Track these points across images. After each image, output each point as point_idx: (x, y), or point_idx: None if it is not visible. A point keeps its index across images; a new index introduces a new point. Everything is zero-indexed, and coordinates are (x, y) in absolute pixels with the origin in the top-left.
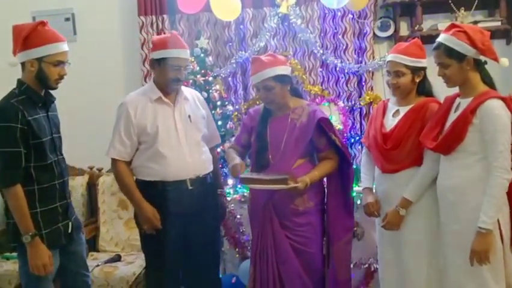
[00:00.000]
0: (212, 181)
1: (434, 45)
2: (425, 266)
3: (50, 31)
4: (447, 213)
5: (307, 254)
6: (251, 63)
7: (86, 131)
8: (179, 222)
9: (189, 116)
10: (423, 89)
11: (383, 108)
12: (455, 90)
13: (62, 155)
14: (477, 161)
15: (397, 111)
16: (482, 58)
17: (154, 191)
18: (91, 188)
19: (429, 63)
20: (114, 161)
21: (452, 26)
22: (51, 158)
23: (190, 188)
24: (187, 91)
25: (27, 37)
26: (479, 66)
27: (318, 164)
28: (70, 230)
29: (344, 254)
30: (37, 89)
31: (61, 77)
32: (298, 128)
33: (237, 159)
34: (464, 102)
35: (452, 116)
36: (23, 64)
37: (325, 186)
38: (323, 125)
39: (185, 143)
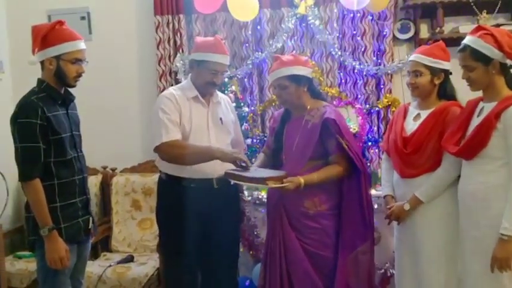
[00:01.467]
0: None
1: (460, 47)
2: (442, 273)
3: (68, 30)
4: (467, 219)
5: (320, 256)
6: (272, 62)
7: (100, 131)
8: (200, 221)
9: (221, 119)
10: (445, 92)
11: (403, 112)
12: (478, 94)
13: (81, 152)
14: (500, 166)
15: (418, 115)
16: (508, 62)
17: (180, 187)
18: (104, 188)
19: (452, 67)
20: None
21: (479, 28)
22: (71, 154)
23: (215, 187)
24: (219, 95)
25: (46, 36)
26: (504, 70)
27: (324, 167)
28: (90, 226)
29: (362, 265)
30: (56, 87)
31: (79, 75)
32: (309, 129)
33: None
34: (487, 107)
35: (475, 121)
36: (42, 63)
37: None
38: (329, 126)
39: (215, 143)
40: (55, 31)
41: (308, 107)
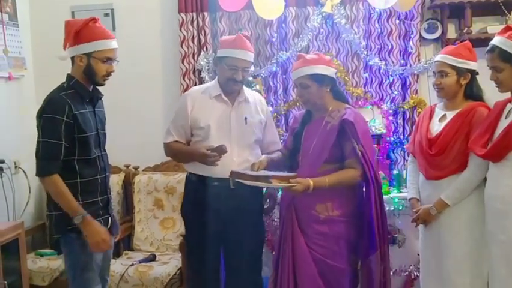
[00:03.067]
0: None
1: (488, 47)
2: (467, 276)
3: (101, 28)
4: (494, 222)
5: (329, 265)
6: (296, 60)
7: (123, 129)
8: (219, 219)
9: (245, 118)
10: (471, 93)
11: (429, 113)
12: (507, 95)
13: (105, 151)
14: None
15: (444, 116)
16: None
17: (200, 186)
18: (127, 186)
19: (480, 68)
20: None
21: (508, 28)
22: (95, 153)
23: (232, 187)
24: (251, 94)
25: (78, 32)
26: None
27: (338, 171)
28: (108, 225)
29: (371, 274)
30: (85, 84)
31: (108, 74)
32: (327, 131)
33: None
34: None
35: (503, 123)
36: (72, 59)
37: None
38: (346, 128)
39: (236, 143)
40: (88, 28)
41: (330, 108)
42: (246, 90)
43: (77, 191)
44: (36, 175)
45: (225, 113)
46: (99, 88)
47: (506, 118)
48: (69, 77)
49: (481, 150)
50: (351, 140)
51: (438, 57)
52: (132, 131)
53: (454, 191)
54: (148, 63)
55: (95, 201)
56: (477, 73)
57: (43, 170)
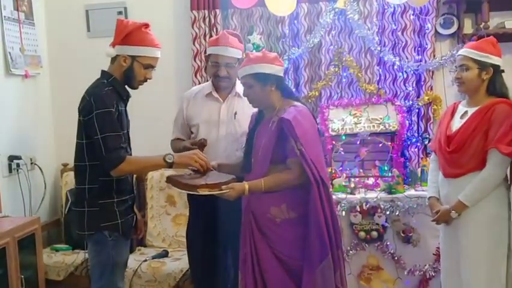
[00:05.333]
0: None
1: None
2: (485, 276)
3: (151, 35)
4: None
5: (296, 265)
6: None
7: (135, 126)
8: (208, 215)
9: (235, 113)
10: (494, 89)
11: (452, 110)
12: None
13: (131, 149)
14: None
15: (465, 112)
16: None
17: None
18: (140, 183)
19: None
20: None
21: None
22: (128, 151)
23: None
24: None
25: (130, 33)
26: None
27: (276, 173)
28: (133, 224)
29: (328, 281)
30: (122, 83)
31: (145, 80)
32: (271, 131)
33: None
34: None
35: None
36: (114, 57)
37: None
38: (284, 127)
39: (223, 138)
40: (141, 32)
41: (277, 108)
42: (240, 85)
43: (112, 189)
44: (109, 171)
45: (216, 109)
46: None
47: None
48: (107, 74)
49: (507, 148)
50: (290, 139)
51: (461, 51)
52: (145, 128)
53: (473, 191)
54: (160, 60)
55: (126, 199)
56: (503, 70)
57: (113, 162)
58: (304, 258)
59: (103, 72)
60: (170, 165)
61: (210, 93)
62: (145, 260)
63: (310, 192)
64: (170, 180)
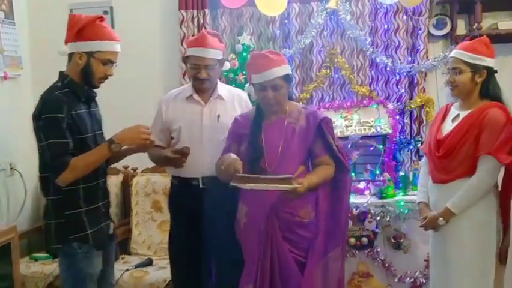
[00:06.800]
0: None
1: None
2: (472, 286)
3: (107, 28)
4: None
5: (302, 264)
6: (255, 59)
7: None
8: (194, 219)
9: (218, 116)
10: (488, 91)
11: (444, 112)
12: None
13: None
14: None
15: (457, 116)
16: None
17: (178, 186)
18: (125, 188)
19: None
20: None
21: None
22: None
23: (201, 186)
24: (226, 90)
25: (83, 28)
26: None
27: (315, 169)
28: (110, 231)
29: (332, 273)
30: (80, 84)
31: (106, 77)
32: (298, 132)
33: (233, 155)
34: None
35: None
36: (71, 55)
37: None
38: (324, 126)
39: (207, 142)
40: (94, 26)
41: (287, 109)
42: (222, 86)
43: (79, 198)
44: (55, 178)
45: (197, 113)
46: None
47: None
48: (63, 76)
49: (507, 158)
50: (327, 137)
51: (452, 53)
52: None
53: (461, 199)
54: (148, 61)
55: (97, 207)
56: (495, 71)
57: (56, 170)
58: (313, 249)
59: (59, 73)
60: (116, 147)
61: (191, 96)
62: (127, 270)
63: (344, 180)
64: (244, 179)
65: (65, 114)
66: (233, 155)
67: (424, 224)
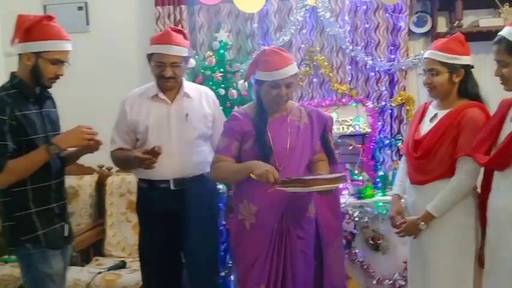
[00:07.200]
0: (210, 183)
1: (495, 39)
2: None
3: (55, 27)
4: (496, 237)
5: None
6: (268, 56)
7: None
8: (165, 223)
9: (186, 114)
10: (466, 90)
11: (422, 111)
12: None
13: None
14: None
15: (435, 115)
16: None
17: (146, 189)
18: (100, 188)
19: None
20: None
21: None
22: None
23: (173, 188)
24: (192, 88)
25: (30, 29)
26: None
27: (317, 166)
28: (65, 233)
29: (338, 260)
30: (30, 84)
31: (57, 77)
32: (302, 130)
33: (263, 164)
34: None
35: (508, 126)
36: (20, 56)
37: None
38: (329, 125)
39: (176, 142)
40: (41, 25)
41: (287, 106)
42: (188, 84)
43: (28, 198)
44: None
45: (164, 112)
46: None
47: (511, 121)
48: (12, 76)
49: (483, 158)
50: (328, 135)
51: (427, 54)
52: (106, 129)
53: (442, 202)
54: (123, 58)
55: (49, 208)
56: (472, 67)
57: None
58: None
59: (10, 74)
60: (53, 149)
61: (156, 95)
62: (100, 272)
63: (336, 172)
64: (291, 182)
65: (8, 115)
66: (263, 163)
67: (402, 230)
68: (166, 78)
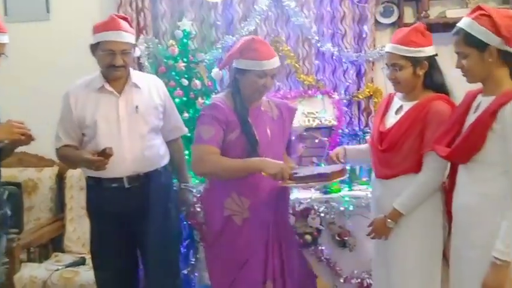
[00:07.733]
0: (165, 177)
1: (454, 30)
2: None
3: None
4: (460, 235)
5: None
6: (257, 44)
7: (56, 119)
8: (119, 222)
9: (137, 107)
10: (431, 81)
11: (386, 103)
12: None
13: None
14: (499, 174)
15: (400, 107)
16: (509, 49)
17: (96, 188)
18: (60, 181)
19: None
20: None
21: (477, 8)
22: None
23: (127, 186)
24: (141, 78)
25: None
26: (506, 58)
27: (284, 157)
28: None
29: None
30: None
31: None
32: (276, 121)
33: (279, 163)
34: (485, 102)
35: (471, 117)
36: None
37: None
38: (292, 115)
39: (127, 136)
40: None
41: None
42: (136, 74)
43: None
44: None
45: (112, 105)
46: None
47: (474, 112)
48: None
49: (445, 150)
50: (291, 126)
51: (388, 48)
52: None
53: (409, 198)
54: (84, 47)
55: None
56: (435, 55)
57: None
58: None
59: None
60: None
61: (103, 87)
62: (57, 270)
63: None
64: (303, 179)
65: None
66: (272, 161)
67: (372, 231)
68: (117, 67)
